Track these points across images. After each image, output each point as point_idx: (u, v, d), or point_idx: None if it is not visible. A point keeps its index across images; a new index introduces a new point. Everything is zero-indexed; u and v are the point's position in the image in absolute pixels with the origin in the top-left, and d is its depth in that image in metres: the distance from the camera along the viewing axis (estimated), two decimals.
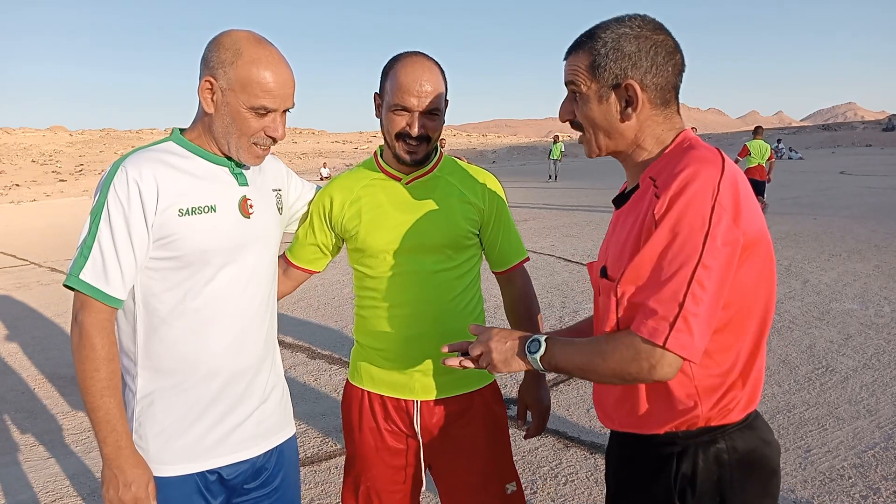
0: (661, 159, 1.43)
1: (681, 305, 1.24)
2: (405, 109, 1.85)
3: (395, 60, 1.89)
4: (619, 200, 1.54)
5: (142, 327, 1.68)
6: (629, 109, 1.42)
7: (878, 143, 54.32)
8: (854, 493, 3.29)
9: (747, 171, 12.85)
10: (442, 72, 1.91)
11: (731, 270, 1.28)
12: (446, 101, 1.93)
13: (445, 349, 1.61)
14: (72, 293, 1.61)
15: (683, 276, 1.25)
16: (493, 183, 2.05)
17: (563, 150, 30.04)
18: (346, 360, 5.57)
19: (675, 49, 1.43)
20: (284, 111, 1.72)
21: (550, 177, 28.14)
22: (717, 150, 1.38)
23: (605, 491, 1.66)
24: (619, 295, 1.34)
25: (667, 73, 1.42)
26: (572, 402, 4.50)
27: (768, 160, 13.34)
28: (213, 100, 1.66)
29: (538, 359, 1.42)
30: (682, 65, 1.45)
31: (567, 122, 1.53)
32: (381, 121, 1.93)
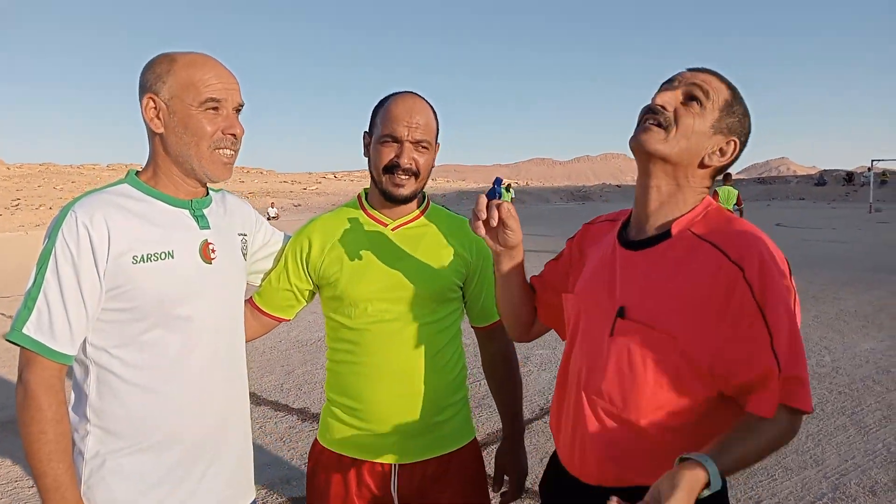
0: (701, 219, 1.45)
1: (804, 366, 1.32)
2: (395, 140, 1.78)
3: (386, 98, 1.85)
4: (636, 244, 1.50)
5: (93, 384, 1.54)
6: (713, 157, 1.46)
7: (811, 197, 56.67)
8: None
9: None
10: (434, 112, 1.86)
11: None
12: (437, 143, 1.87)
13: None
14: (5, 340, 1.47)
15: (797, 338, 1.33)
16: None
17: (513, 195, 30.44)
18: (293, 406, 5.41)
19: None
20: (235, 110, 1.62)
21: None
22: None
23: None
24: (681, 352, 1.37)
25: (739, 154, 1.50)
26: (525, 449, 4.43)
27: (736, 205, 14.06)
28: (159, 117, 1.56)
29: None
30: None
31: (656, 108, 1.45)
32: (368, 159, 1.86)
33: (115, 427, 1.55)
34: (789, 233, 21.90)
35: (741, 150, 1.49)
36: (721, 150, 1.46)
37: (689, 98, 1.44)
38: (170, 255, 1.56)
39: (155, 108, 1.56)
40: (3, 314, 9.86)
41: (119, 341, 1.54)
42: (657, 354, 1.38)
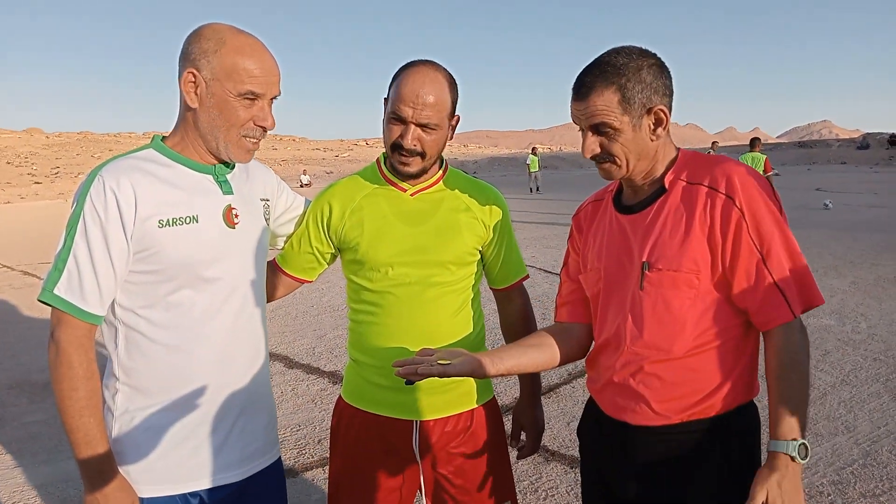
0: (685, 167, 1.60)
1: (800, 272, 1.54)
2: (400, 120, 1.77)
3: (403, 68, 1.81)
4: (637, 206, 1.64)
5: (122, 343, 1.60)
6: (658, 129, 1.57)
7: (853, 161, 55.26)
8: None
9: None
10: (451, 85, 1.82)
11: None
12: (455, 115, 1.86)
13: None
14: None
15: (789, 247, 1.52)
16: (497, 198, 1.99)
17: (539, 157, 30.09)
18: (324, 369, 5.52)
19: (667, 68, 1.60)
20: (271, 100, 1.64)
21: (532, 189, 28.19)
22: None
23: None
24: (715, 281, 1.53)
25: (671, 91, 1.58)
26: (553, 415, 4.47)
27: (765, 173, 12.97)
28: (196, 93, 1.57)
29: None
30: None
31: (593, 156, 1.60)
32: (382, 128, 1.86)
33: (142, 384, 1.60)
34: (829, 197, 21.43)
35: (670, 101, 1.58)
36: (655, 122, 1.56)
37: (599, 132, 1.57)
38: (194, 219, 1.59)
39: (194, 83, 1.57)
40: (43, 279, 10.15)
41: (146, 302, 1.58)
42: (688, 293, 1.53)
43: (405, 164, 1.81)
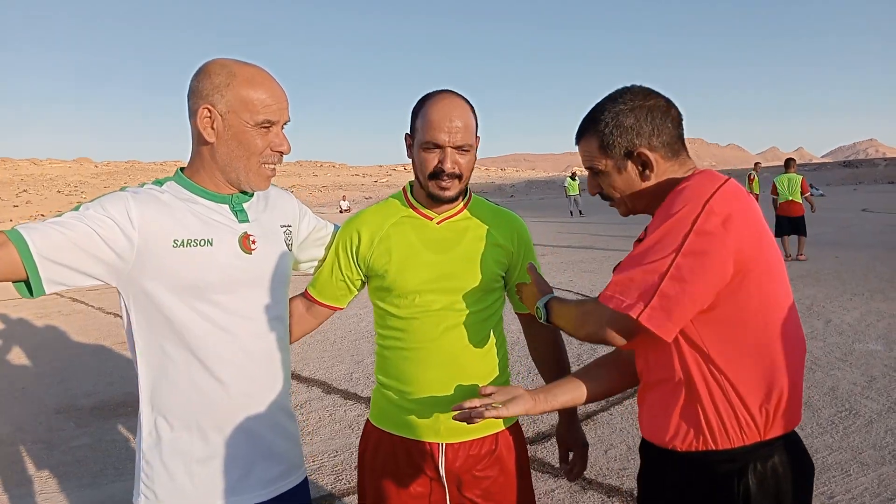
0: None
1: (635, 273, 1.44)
2: (436, 146, 1.82)
3: (425, 99, 1.88)
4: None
5: (145, 366, 1.67)
6: (647, 171, 1.59)
7: None
8: None
9: (777, 209, 12.53)
10: (472, 108, 1.89)
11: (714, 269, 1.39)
12: (477, 137, 1.91)
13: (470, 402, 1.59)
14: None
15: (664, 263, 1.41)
16: (520, 225, 2.04)
17: (579, 182, 30.09)
18: (362, 395, 5.55)
19: (668, 105, 1.60)
20: (283, 125, 1.71)
21: (572, 213, 28.15)
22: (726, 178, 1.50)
23: None
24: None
25: (668, 129, 1.58)
26: (590, 442, 4.42)
27: (803, 194, 12.27)
28: (213, 127, 1.64)
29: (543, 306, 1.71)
30: (679, 116, 1.61)
31: (597, 195, 1.72)
32: (413, 161, 1.92)
33: (164, 406, 1.68)
34: (876, 218, 20.93)
35: (661, 139, 1.57)
36: (642, 165, 1.59)
37: (593, 174, 1.67)
38: (209, 242, 1.66)
39: (210, 118, 1.63)
40: (91, 305, 10.42)
41: (165, 323, 1.64)
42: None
43: (446, 189, 1.86)
